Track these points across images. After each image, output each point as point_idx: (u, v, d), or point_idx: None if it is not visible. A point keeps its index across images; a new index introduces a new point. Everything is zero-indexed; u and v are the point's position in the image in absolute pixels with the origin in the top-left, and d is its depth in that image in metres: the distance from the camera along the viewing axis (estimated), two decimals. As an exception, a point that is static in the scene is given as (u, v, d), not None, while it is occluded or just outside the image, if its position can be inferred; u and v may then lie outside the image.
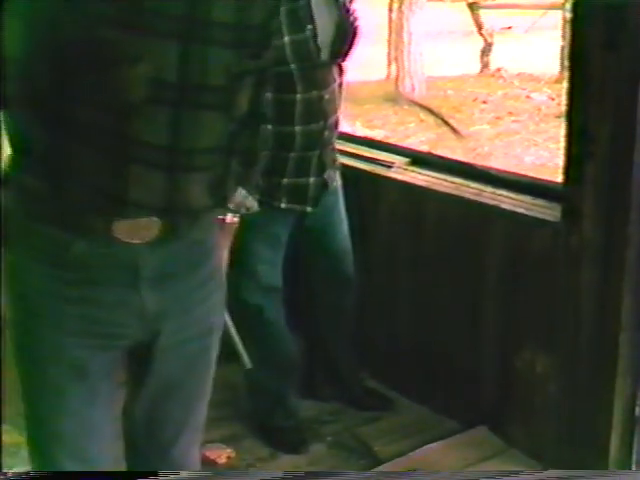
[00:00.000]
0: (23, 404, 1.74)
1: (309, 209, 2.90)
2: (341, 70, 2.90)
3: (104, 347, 1.68)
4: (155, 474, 1.64)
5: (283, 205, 2.85)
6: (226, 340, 2.03)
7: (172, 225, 1.64)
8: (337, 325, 3.23)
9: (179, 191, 1.61)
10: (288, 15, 2.67)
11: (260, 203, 2.09)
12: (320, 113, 2.80)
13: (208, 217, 1.74)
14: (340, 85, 2.90)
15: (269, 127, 2.65)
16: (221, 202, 1.76)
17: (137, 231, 1.61)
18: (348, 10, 2.88)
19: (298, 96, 2.74)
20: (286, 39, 2.66)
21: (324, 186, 2.92)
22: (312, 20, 2.73)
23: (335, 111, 2.87)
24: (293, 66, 2.71)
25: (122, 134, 1.54)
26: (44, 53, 1.51)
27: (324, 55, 2.78)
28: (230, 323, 2.16)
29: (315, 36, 2.73)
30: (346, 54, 2.89)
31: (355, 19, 2.89)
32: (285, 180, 2.83)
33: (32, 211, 1.63)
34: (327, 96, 2.81)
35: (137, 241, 1.62)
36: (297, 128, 2.76)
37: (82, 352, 1.66)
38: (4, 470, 2.29)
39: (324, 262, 3.12)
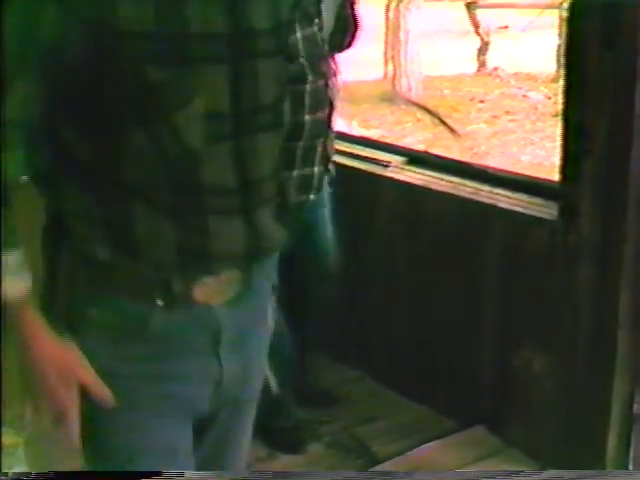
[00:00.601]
0: None
1: (312, 197, 2.92)
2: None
3: (180, 422, 1.51)
4: (159, 474, 1.62)
5: (292, 199, 2.86)
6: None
7: (250, 275, 1.50)
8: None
9: (257, 232, 1.46)
10: (301, 10, 2.70)
11: None
12: (325, 101, 2.84)
13: (275, 254, 1.58)
14: (335, 74, 2.95)
15: None
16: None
17: (218, 289, 1.46)
18: (351, 2, 2.93)
19: (307, 86, 2.78)
20: (298, 35, 2.70)
21: (326, 174, 2.95)
22: (319, 14, 2.78)
23: (335, 99, 2.91)
24: (302, 59, 2.74)
25: (188, 185, 1.39)
26: (87, 116, 1.36)
27: (326, 46, 2.83)
28: None
29: (321, 29, 2.78)
30: (348, 46, 2.95)
31: (356, 11, 2.94)
32: (294, 172, 2.85)
33: (97, 282, 1.43)
34: (330, 84, 2.86)
35: (217, 301, 1.47)
36: (306, 117, 2.80)
37: (163, 433, 1.50)
38: (4, 470, 2.30)
39: (311, 257, 3.12)
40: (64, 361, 1.40)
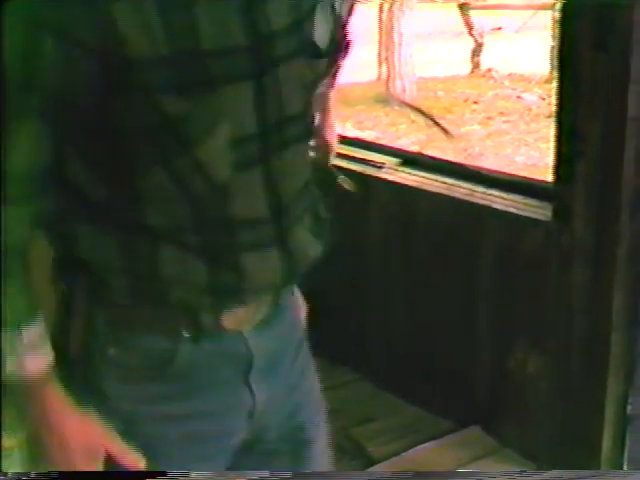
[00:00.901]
0: None
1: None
2: None
3: (211, 458, 1.40)
4: (164, 474, 1.60)
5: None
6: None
7: (280, 296, 1.40)
8: None
9: (292, 257, 1.35)
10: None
11: None
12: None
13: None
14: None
15: None
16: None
17: (248, 315, 1.35)
18: (343, 26, 2.89)
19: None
20: None
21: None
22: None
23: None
24: None
25: (218, 221, 1.27)
26: (100, 156, 1.23)
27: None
28: None
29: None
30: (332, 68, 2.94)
31: (347, 36, 2.91)
32: None
33: (116, 322, 1.31)
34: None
35: (247, 327, 1.36)
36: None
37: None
38: (3, 471, 2.29)
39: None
40: (90, 437, 1.30)
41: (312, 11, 1.36)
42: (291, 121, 1.30)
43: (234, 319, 1.33)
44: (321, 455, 1.57)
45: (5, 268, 1.22)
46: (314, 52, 1.35)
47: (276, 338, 1.42)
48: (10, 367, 1.24)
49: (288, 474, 1.53)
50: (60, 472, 1.47)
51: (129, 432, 1.31)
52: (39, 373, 1.25)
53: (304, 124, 1.35)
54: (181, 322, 1.30)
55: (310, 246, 1.39)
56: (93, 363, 1.31)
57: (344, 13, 2.92)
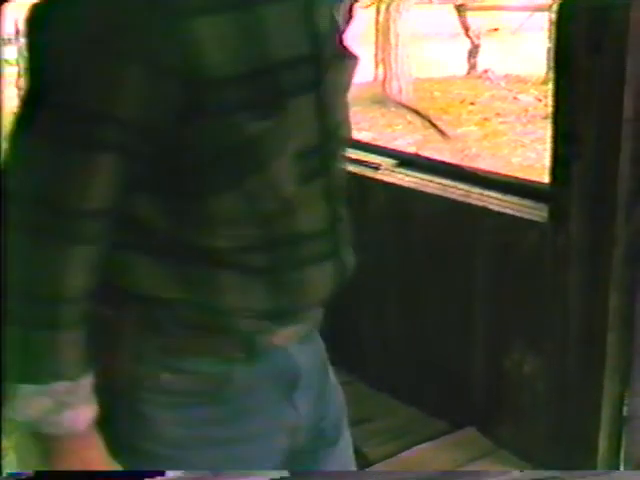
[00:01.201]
0: None
1: None
2: None
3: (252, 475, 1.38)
4: (162, 474, 1.59)
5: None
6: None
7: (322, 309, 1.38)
8: None
9: (344, 267, 1.34)
10: None
11: None
12: None
13: None
14: None
15: None
16: None
17: (298, 331, 1.33)
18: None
19: None
20: None
21: None
22: None
23: None
24: None
25: (284, 239, 1.23)
26: (169, 184, 1.17)
27: None
28: None
29: None
30: None
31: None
32: None
33: (169, 349, 1.24)
34: None
35: (294, 342, 1.33)
36: None
37: None
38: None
39: None
40: None
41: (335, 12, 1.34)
42: (341, 126, 1.30)
43: (284, 336, 1.30)
44: (345, 455, 1.59)
45: (58, 317, 1.14)
46: (346, 54, 1.33)
47: (313, 351, 1.41)
48: (52, 423, 1.16)
49: (287, 473, 1.52)
50: (60, 472, 1.46)
51: (175, 457, 1.28)
52: (84, 427, 1.18)
53: (348, 129, 1.35)
54: (237, 346, 1.26)
55: (350, 253, 1.38)
56: (140, 391, 1.25)
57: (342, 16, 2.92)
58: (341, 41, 1.29)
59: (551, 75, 3.10)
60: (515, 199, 2.92)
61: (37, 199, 1.10)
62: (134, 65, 1.06)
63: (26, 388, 1.14)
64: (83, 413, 1.18)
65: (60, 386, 1.15)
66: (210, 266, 1.21)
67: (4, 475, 1.98)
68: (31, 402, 1.14)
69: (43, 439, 1.19)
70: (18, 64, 9.74)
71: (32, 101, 1.12)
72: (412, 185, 3.20)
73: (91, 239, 1.14)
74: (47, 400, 1.15)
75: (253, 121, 1.13)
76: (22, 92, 1.15)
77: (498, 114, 10.22)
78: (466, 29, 12.64)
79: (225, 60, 1.10)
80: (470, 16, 12.78)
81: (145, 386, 1.24)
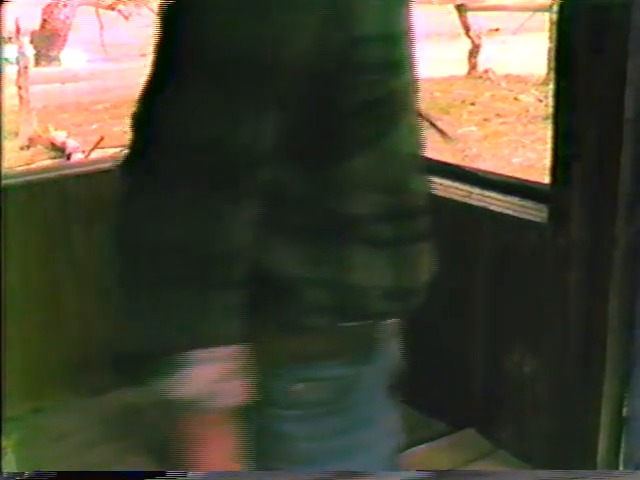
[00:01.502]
0: None
1: None
2: None
3: None
4: (163, 474, 1.58)
5: None
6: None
7: None
8: None
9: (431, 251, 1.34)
10: None
11: None
12: None
13: None
14: None
15: None
16: None
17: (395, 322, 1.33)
18: None
19: None
20: None
21: None
22: None
23: None
24: None
25: (404, 210, 1.26)
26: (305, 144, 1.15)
27: None
28: None
29: None
30: None
31: None
32: None
33: (306, 351, 1.20)
34: None
35: (395, 335, 1.34)
36: None
37: None
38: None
39: None
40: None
41: None
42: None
43: (394, 327, 1.27)
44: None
45: (231, 276, 1.09)
46: None
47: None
48: (215, 395, 1.09)
49: (287, 473, 1.52)
50: (59, 472, 1.46)
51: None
52: (233, 405, 1.11)
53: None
54: (360, 342, 1.23)
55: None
56: (269, 408, 1.19)
57: None
58: None
59: (552, 76, 3.10)
60: (516, 200, 2.92)
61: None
62: (312, 16, 1.08)
63: (195, 355, 1.06)
64: (240, 386, 1.12)
65: (231, 350, 1.09)
66: (341, 240, 1.18)
67: (4, 475, 1.98)
68: (199, 372, 1.07)
69: (188, 421, 1.11)
70: (18, 63, 9.75)
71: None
72: (412, 185, 3.20)
73: (248, 200, 1.11)
74: (213, 369, 1.07)
75: (388, 80, 1.17)
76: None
77: (499, 114, 10.20)
78: (466, 29, 12.62)
79: (369, 18, 1.12)
80: (471, 16, 12.77)
81: (274, 401, 1.19)
